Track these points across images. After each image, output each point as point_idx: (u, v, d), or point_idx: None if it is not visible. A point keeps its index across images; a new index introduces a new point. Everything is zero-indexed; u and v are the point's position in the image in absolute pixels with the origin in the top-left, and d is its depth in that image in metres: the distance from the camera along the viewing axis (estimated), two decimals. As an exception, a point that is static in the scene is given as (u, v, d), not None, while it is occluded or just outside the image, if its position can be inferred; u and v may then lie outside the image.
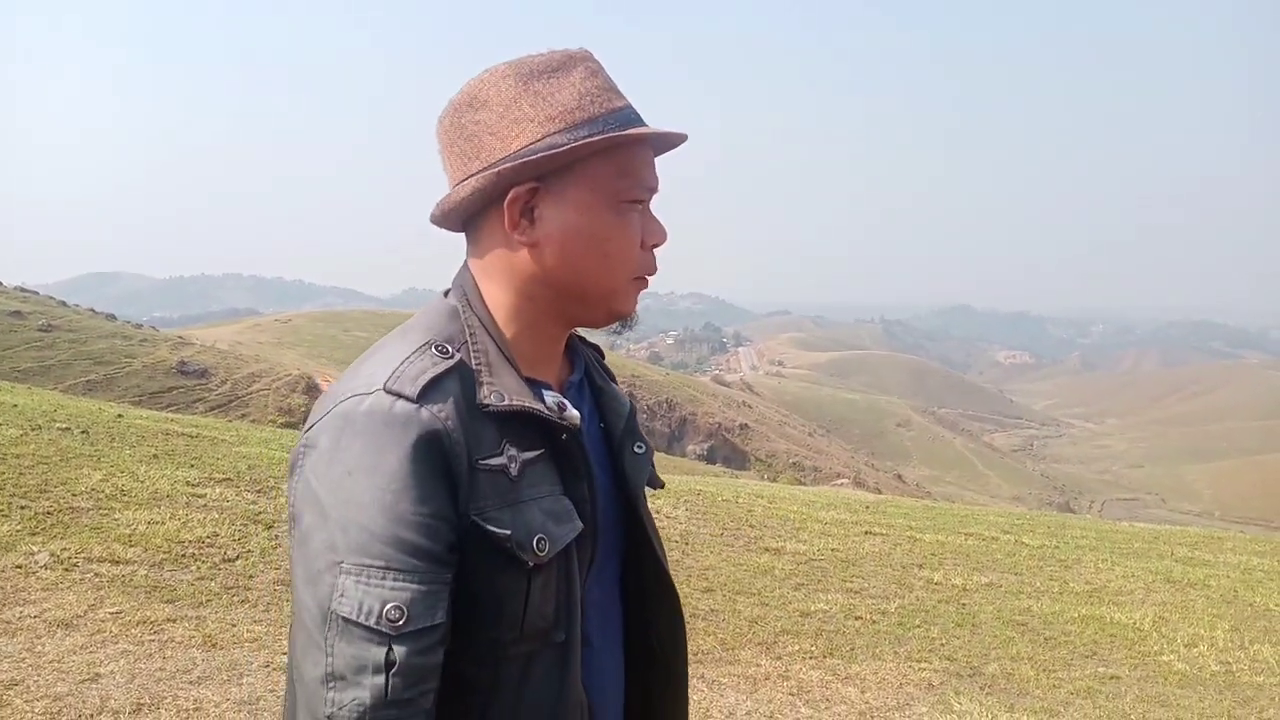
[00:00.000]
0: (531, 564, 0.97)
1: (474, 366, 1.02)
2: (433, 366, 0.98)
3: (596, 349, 1.29)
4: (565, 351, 1.17)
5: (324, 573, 0.91)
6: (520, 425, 1.01)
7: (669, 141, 1.09)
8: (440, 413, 0.95)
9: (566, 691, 1.02)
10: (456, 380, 0.99)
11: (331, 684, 0.90)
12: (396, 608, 0.90)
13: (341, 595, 0.90)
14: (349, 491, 0.92)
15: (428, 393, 0.96)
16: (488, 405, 0.98)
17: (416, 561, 0.91)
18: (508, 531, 0.96)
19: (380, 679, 0.89)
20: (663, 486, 1.30)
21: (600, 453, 1.15)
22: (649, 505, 1.23)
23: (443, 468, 0.94)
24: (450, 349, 1.01)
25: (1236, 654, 5.29)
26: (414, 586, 0.91)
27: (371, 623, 0.89)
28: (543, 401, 1.04)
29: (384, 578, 0.90)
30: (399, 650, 0.90)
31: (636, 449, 1.18)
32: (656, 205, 1.12)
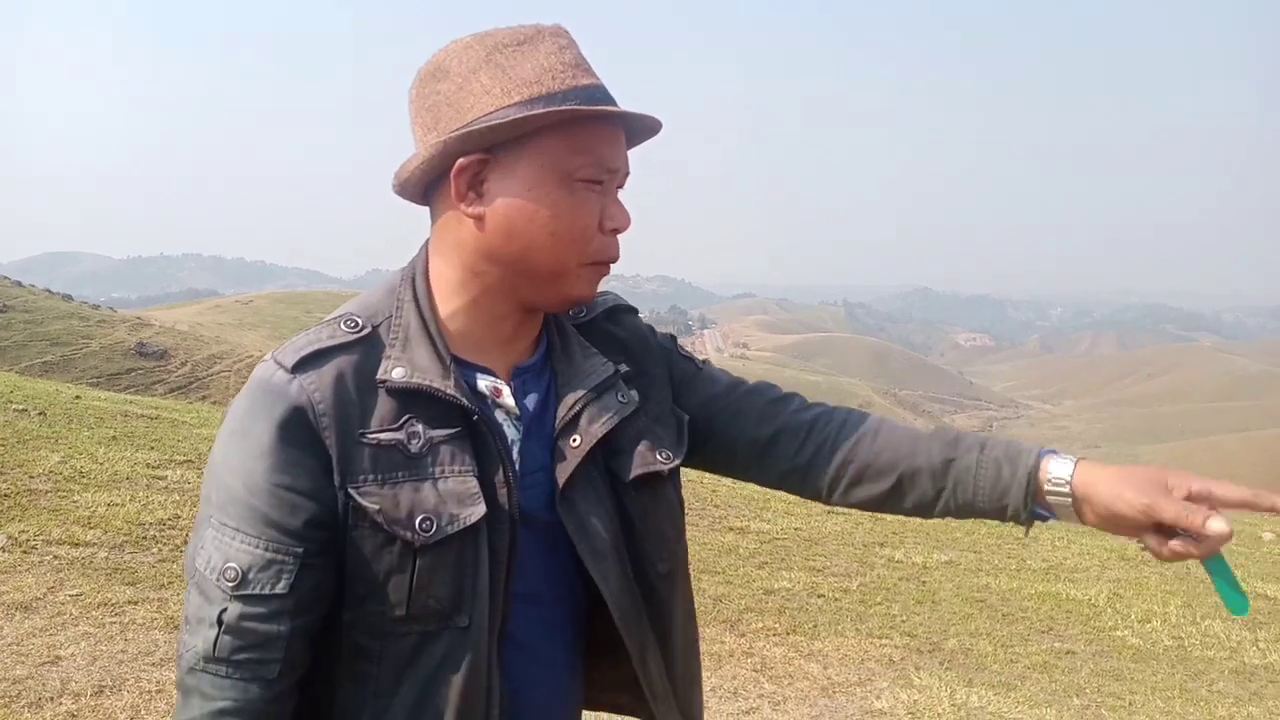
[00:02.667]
0: (417, 544, 0.96)
1: (387, 340, 1.02)
2: (328, 339, 1.00)
3: (622, 309, 1.23)
4: (540, 334, 1.13)
5: (201, 524, 0.98)
6: (431, 402, 1.00)
7: (644, 126, 1.06)
8: (309, 384, 0.96)
9: (469, 676, 0.99)
10: (354, 354, 0.99)
11: (186, 626, 0.97)
12: (234, 569, 0.94)
13: (201, 547, 0.97)
14: (226, 451, 0.97)
15: (304, 364, 0.97)
16: (385, 381, 0.99)
17: (264, 529, 0.95)
18: (378, 507, 0.96)
19: (213, 633, 0.94)
20: (651, 476, 1.14)
21: (549, 439, 1.09)
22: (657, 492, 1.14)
23: (306, 441, 0.96)
24: (362, 323, 1.02)
25: (1188, 629, 5.41)
26: (256, 552, 0.94)
27: (214, 578, 0.95)
28: (469, 384, 1.02)
29: (233, 539, 0.95)
30: (232, 610, 0.94)
31: (573, 442, 1.08)
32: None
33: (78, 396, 9.46)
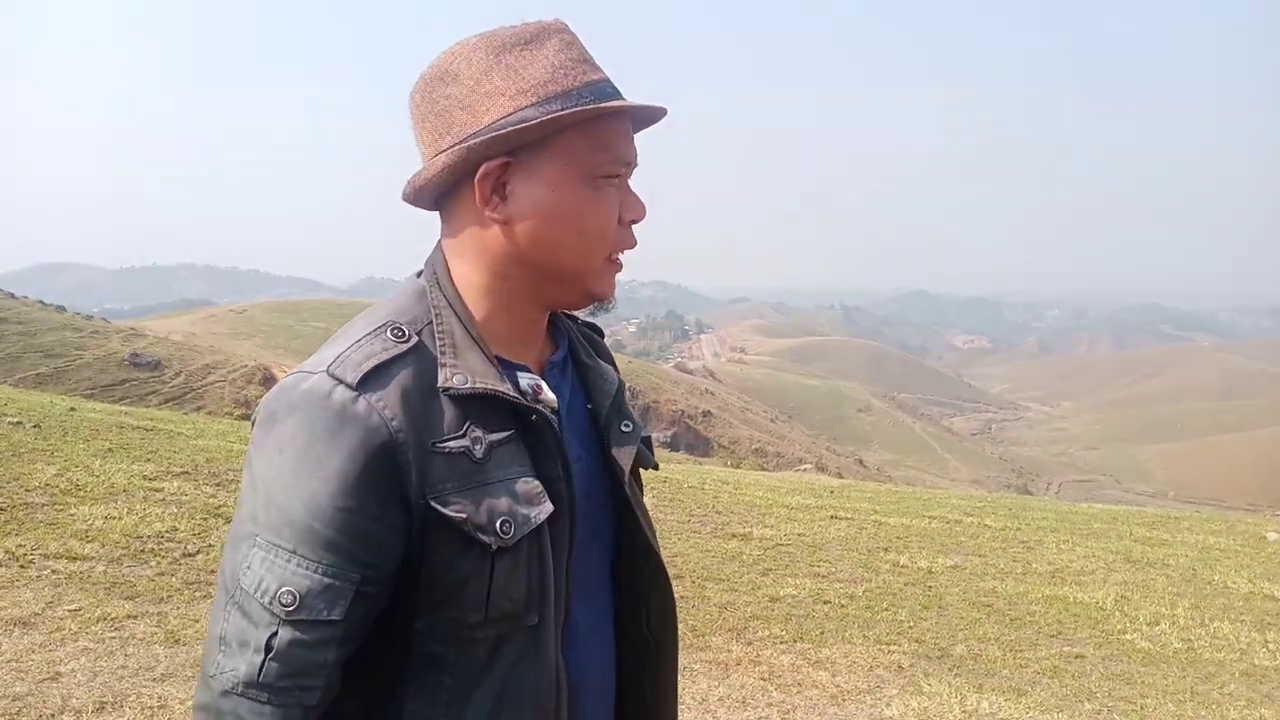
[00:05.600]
0: (495, 547, 0.95)
1: (437, 348, 1.00)
2: (382, 351, 0.97)
3: (593, 327, 1.27)
4: (550, 330, 1.15)
5: (242, 541, 0.93)
6: (486, 407, 0.99)
7: (648, 115, 1.07)
8: (379, 402, 0.94)
9: (541, 674, 1.00)
10: (411, 365, 0.98)
11: (221, 647, 0.92)
12: (290, 593, 0.90)
13: (248, 567, 0.92)
14: (277, 469, 0.93)
15: (369, 380, 0.94)
16: (449, 389, 0.97)
17: (325, 554, 0.91)
18: (464, 515, 0.95)
19: (258, 658, 0.90)
20: (656, 467, 1.26)
21: (585, 432, 1.13)
22: (643, 486, 1.22)
23: (381, 462, 0.93)
24: (408, 331, 1.00)
25: (1197, 631, 5.38)
26: (315, 577, 0.91)
27: (265, 601, 0.90)
28: (514, 384, 1.02)
29: (288, 561, 0.91)
30: (283, 635, 0.90)
31: (624, 428, 1.15)
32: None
33: (72, 408, 9.41)
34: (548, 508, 1.00)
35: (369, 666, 0.98)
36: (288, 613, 0.90)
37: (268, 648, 0.90)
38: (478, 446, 0.97)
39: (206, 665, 0.92)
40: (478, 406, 0.99)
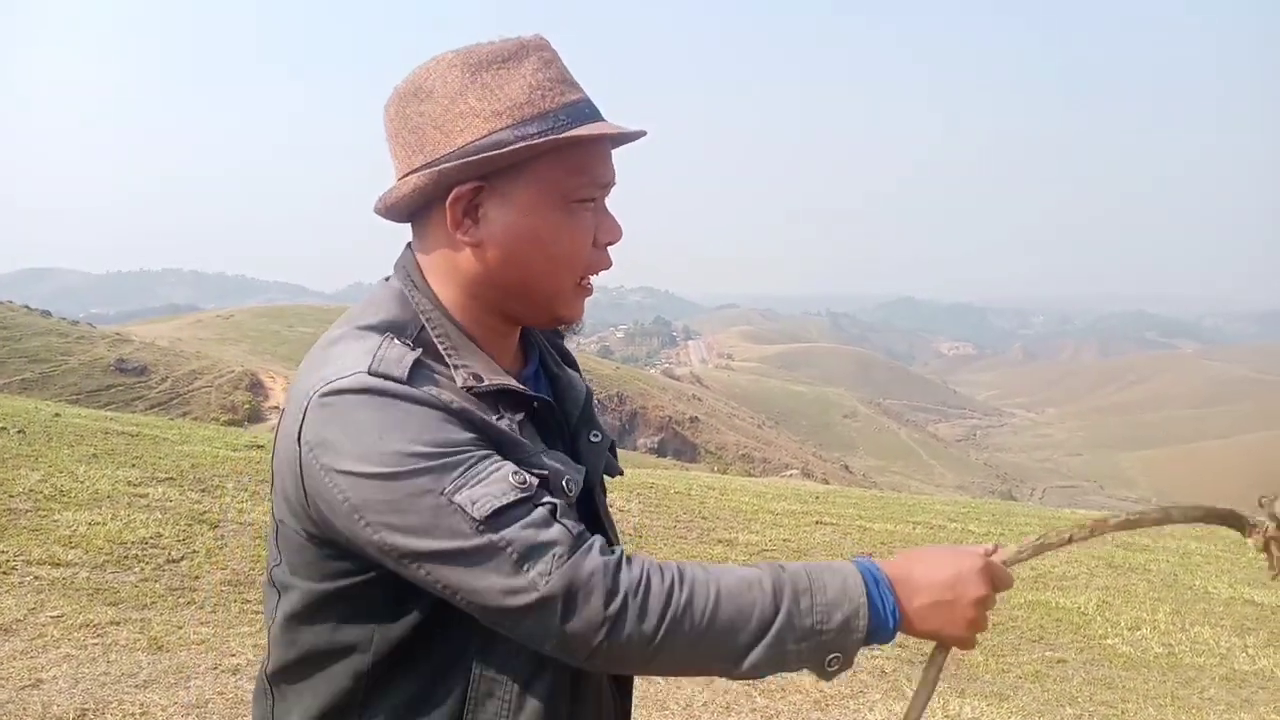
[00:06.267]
0: (560, 506, 0.97)
1: (441, 350, 1.01)
2: (409, 352, 0.97)
3: (554, 332, 1.27)
4: (521, 342, 1.16)
5: (439, 510, 0.90)
6: (500, 399, 1.02)
7: (626, 137, 1.05)
8: (432, 390, 0.95)
9: None
10: (433, 365, 0.99)
11: (522, 563, 0.89)
12: (515, 473, 0.92)
13: (473, 504, 0.90)
14: (391, 445, 0.91)
15: (414, 376, 0.95)
16: (471, 388, 0.98)
17: (478, 453, 0.93)
18: (545, 473, 0.97)
19: (553, 527, 0.91)
20: (621, 474, 1.28)
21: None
22: (607, 496, 1.23)
23: (457, 424, 0.94)
24: (411, 336, 1.01)
25: (1178, 636, 5.42)
26: (505, 468, 0.93)
27: (512, 498, 0.90)
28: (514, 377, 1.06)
29: (482, 469, 0.92)
30: (543, 500, 0.93)
31: (592, 438, 1.16)
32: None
33: (57, 414, 9.37)
34: (580, 469, 1.05)
35: (443, 631, 0.98)
36: (528, 486, 0.92)
37: (551, 511, 0.92)
38: (513, 428, 1.00)
39: (511, 598, 0.89)
40: (492, 401, 1.00)
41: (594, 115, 1.01)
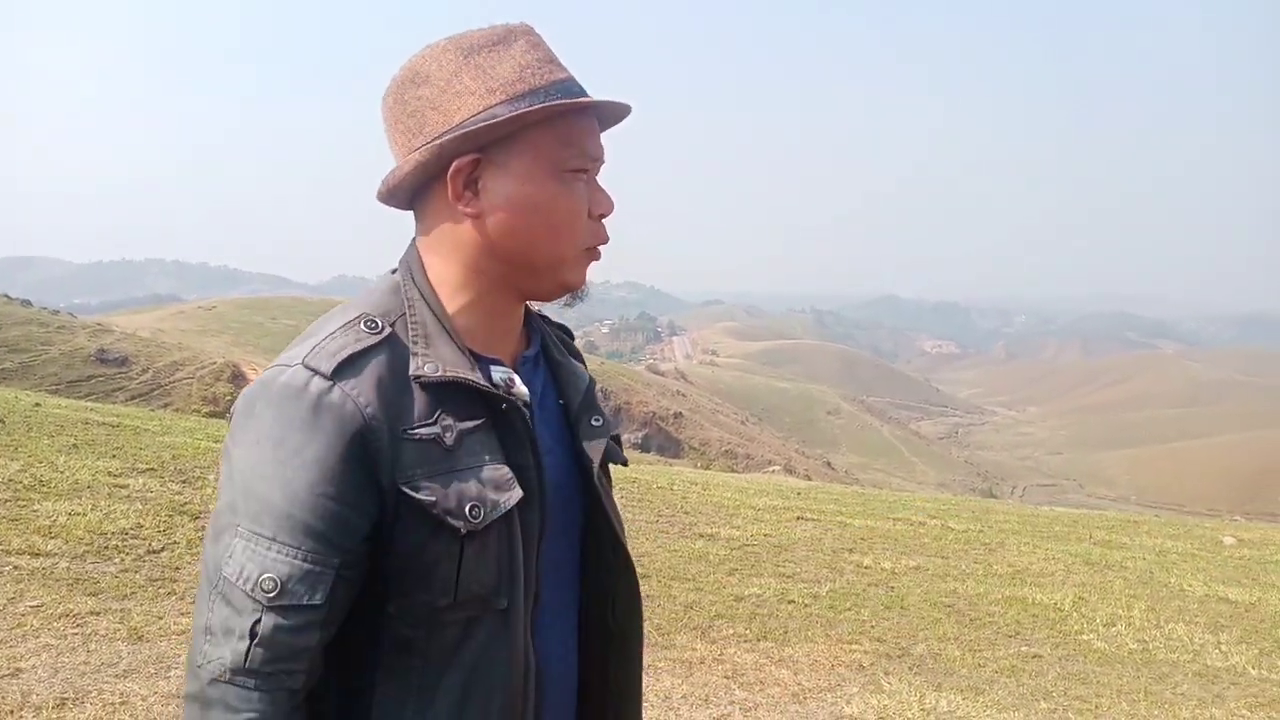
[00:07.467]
0: (464, 530, 0.98)
1: (409, 339, 1.03)
2: (355, 342, 1.00)
3: (563, 329, 1.30)
4: (525, 326, 1.19)
5: (223, 531, 0.95)
6: (458, 396, 1.02)
7: (614, 113, 1.10)
8: (353, 390, 0.97)
9: (511, 657, 1.03)
10: (384, 355, 1.00)
11: (207, 637, 0.94)
12: (272, 579, 0.93)
13: (230, 556, 0.94)
14: (255, 459, 0.95)
15: (343, 369, 0.97)
16: (420, 377, 1.00)
17: (304, 539, 0.94)
18: (434, 499, 0.97)
19: (243, 645, 0.92)
20: (625, 463, 1.29)
21: (556, 426, 1.16)
22: (612, 482, 1.24)
23: (353, 450, 0.96)
24: (381, 323, 1.03)
25: (1152, 632, 5.49)
26: (295, 563, 0.93)
27: (248, 588, 0.93)
28: (486, 376, 1.05)
29: (269, 548, 0.93)
30: (267, 622, 0.92)
31: (594, 422, 1.18)
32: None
33: (37, 404, 9.31)
34: (517, 493, 1.02)
35: (342, 651, 1.00)
36: (270, 599, 0.92)
37: (252, 634, 0.92)
38: (448, 434, 1.00)
39: (193, 656, 0.94)
40: (449, 395, 1.01)
41: (581, 92, 1.07)
